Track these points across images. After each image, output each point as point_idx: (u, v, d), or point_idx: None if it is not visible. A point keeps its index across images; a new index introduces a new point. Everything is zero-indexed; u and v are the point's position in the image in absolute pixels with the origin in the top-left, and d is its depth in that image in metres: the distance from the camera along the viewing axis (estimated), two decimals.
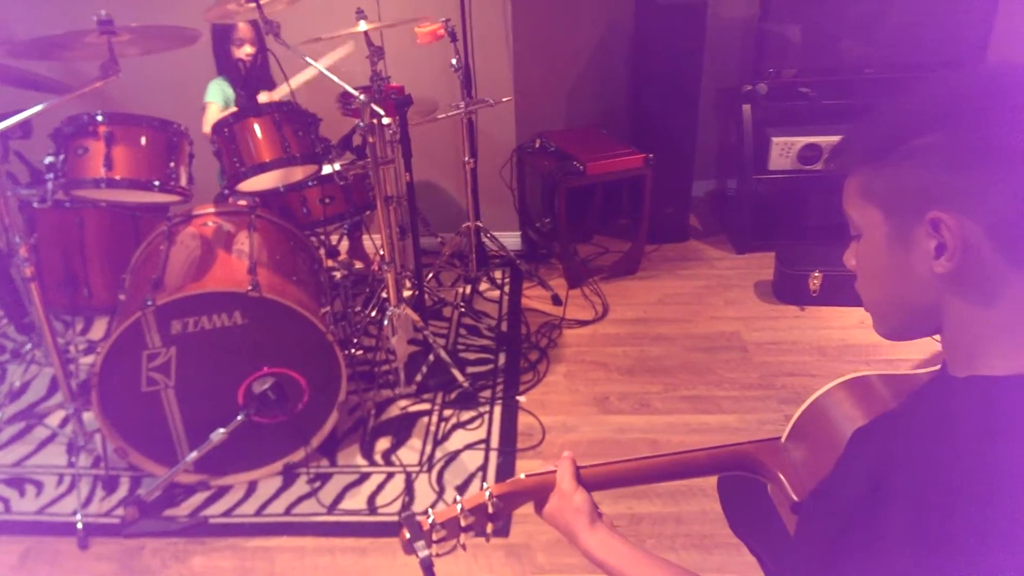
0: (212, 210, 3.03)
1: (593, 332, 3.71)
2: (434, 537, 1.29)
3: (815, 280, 3.71)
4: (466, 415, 3.14)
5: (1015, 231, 0.85)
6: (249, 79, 3.40)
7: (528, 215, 4.50)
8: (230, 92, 3.48)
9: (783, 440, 1.40)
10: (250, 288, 2.52)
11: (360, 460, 2.93)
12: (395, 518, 2.65)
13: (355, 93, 2.71)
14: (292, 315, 2.63)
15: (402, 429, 3.07)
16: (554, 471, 1.34)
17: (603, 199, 4.65)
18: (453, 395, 3.25)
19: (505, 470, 2.85)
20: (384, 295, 3.20)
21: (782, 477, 1.34)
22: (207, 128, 3.25)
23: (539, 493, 1.35)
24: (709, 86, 4.40)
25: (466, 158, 3.82)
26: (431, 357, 3.31)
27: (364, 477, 2.85)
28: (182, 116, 2.85)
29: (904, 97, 0.94)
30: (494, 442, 2.99)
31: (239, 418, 2.66)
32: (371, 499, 2.75)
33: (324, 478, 2.85)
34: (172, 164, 2.66)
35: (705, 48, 4.11)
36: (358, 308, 3.70)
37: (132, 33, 2.46)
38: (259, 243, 2.87)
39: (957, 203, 0.86)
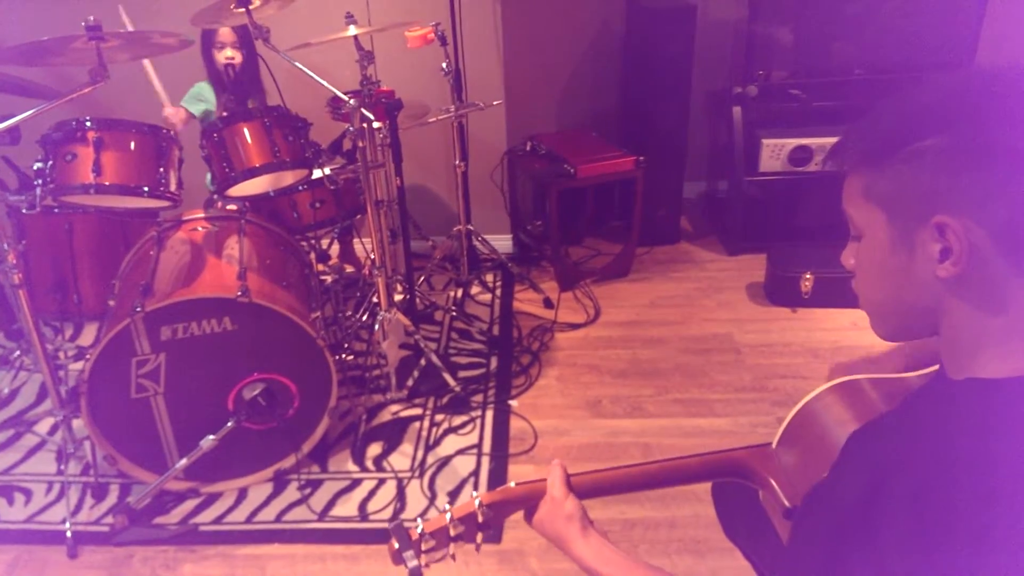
0: (202, 215, 3.01)
1: (585, 335, 3.70)
2: (423, 547, 1.28)
3: (807, 282, 3.71)
4: (458, 420, 3.13)
5: (1021, 236, 0.85)
6: (238, 85, 3.39)
7: (519, 218, 4.50)
8: (211, 97, 3.46)
9: (774, 445, 1.40)
10: (240, 294, 2.51)
11: (351, 466, 2.92)
12: (387, 525, 2.64)
13: (345, 97, 2.71)
14: (282, 320, 2.62)
15: (393, 434, 3.06)
16: (544, 480, 1.34)
17: (594, 201, 4.64)
18: (445, 400, 3.24)
19: (497, 475, 2.84)
20: (375, 299, 3.20)
21: (773, 483, 1.33)
22: (168, 110, 3.28)
23: (529, 501, 1.34)
24: (699, 88, 4.40)
25: (457, 161, 3.82)
26: (422, 361, 3.30)
27: (355, 483, 2.84)
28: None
29: (908, 97, 0.94)
30: (486, 447, 2.98)
31: (229, 424, 2.65)
32: (362, 505, 2.74)
33: (315, 484, 2.83)
34: (161, 169, 2.64)
35: (695, 50, 4.11)
36: (349, 313, 3.69)
37: (121, 39, 2.44)
38: (249, 248, 2.86)
39: (963, 207, 0.86)
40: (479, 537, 1.33)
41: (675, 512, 2.62)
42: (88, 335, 3.75)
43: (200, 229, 2.94)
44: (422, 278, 4.12)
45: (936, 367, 1.07)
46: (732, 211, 4.34)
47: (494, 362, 3.50)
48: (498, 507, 1.32)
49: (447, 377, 3.24)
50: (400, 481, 2.83)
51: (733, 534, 1.80)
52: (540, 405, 3.21)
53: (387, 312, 3.01)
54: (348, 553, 2.56)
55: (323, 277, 3.47)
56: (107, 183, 2.52)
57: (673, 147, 4.29)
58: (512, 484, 1.34)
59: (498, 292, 4.09)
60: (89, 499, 2.79)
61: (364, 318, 3.58)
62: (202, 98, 3.45)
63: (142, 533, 2.64)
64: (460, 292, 4.09)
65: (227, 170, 2.80)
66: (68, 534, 2.59)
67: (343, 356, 3.30)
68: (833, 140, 1.02)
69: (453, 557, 1.32)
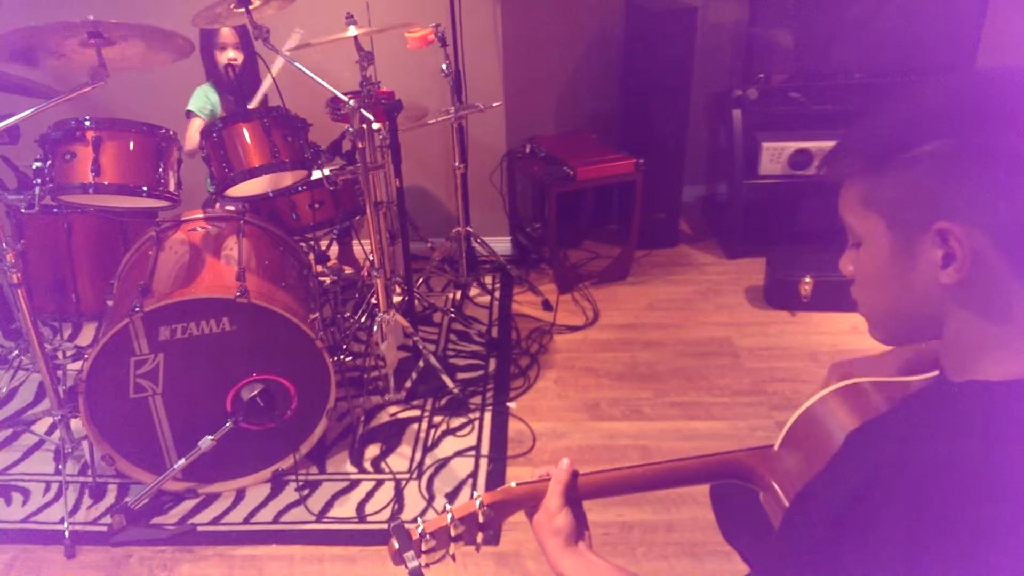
0: (201, 215, 3.02)
1: (584, 338, 3.70)
2: (424, 547, 1.28)
3: (806, 285, 3.71)
4: (456, 422, 3.13)
5: (1023, 241, 0.85)
6: (239, 85, 3.39)
7: (518, 220, 4.50)
8: (215, 98, 3.46)
9: (776, 448, 1.39)
10: (238, 294, 2.51)
11: (349, 467, 2.91)
12: (384, 526, 2.64)
13: (345, 98, 2.71)
14: (281, 321, 2.62)
15: (392, 436, 3.06)
16: (546, 480, 1.33)
17: (593, 204, 4.65)
18: (443, 401, 3.24)
19: (495, 477, 2.84)
20: (374, 301, 3.19)
21: (775, 485, 1.33)
22: (188, 145, 3.23)
23: (530, 502, 1.34)
24: (699, 91, 4.40)
25: (456, 163, 3.82)
26: (421, 363, 3.30)
27: (353, 484, 2.83)
28: (170, 121, 2.84)
29: (905, 102, 0.93)
30: (484, 449, 2.98)
31: (227, 425, 2.65)
32: (360, 507, 2.74)
33: (313, 485, 2.83)
34: (160, 169, 2.64)
35: (695, 53, 4.12)
36: (347, 314, 3.69)
37: (122, 33, 2.44)
38: (248, 249, 2.86)
39: (965, 213, 0.86)
40: (479, 537, 1.32)
41: (673, 515, 2.62)
42: (87, 335, 3.75)
43: (199, 229, 2.94)
44: (421, 280, 4.12)
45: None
46: (731, 214, 4.34)
47: (492, 364, 3.50)
48: (499, 507, 1.32)
49: (445, 379, 3.24)
50: (398, 482, 2.83)
51: (731, 537, 1.80)
52: (538, 407, 3.21)
53: (386, 314, 3.00)
54: (346, 554, 2.56)
55: (322, 278, 3.47)
56: (106, 183, 2.52)
57: (672, 150, 4.29)
58: (513, 484, 1.34)
59: (497, 294, 4.09)
60: (87, 499, 2.79)
61: (363, 319, 3.58)
62: (209, 100, 3.45)
63: (140, 533, 2.63)
64: (459, 294, 4.09)
65: (226, 170, 2.80)
66: (66, 534, 2.58)
67: (341, 357, 3.30)
68: (833, 144, 1.02)
69: (453, 557, 1.32)
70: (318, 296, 3.22)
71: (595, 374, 3.41)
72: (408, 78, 3.91)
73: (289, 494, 2.80)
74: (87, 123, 2.52)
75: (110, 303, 2.78)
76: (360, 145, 2.77)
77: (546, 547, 1.28)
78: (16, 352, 3.36)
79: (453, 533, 1.29)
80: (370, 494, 2.79)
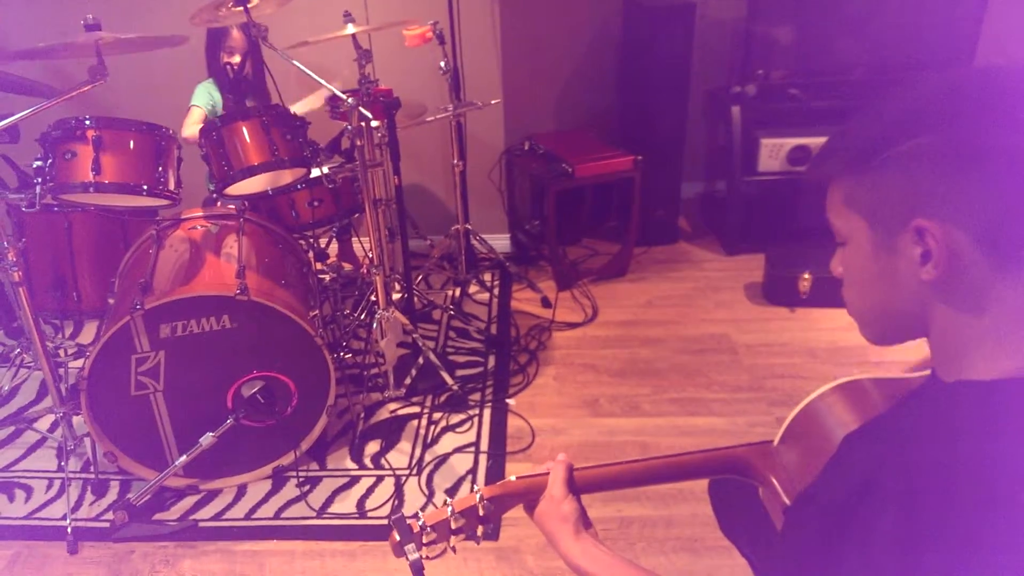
0: (200, 214, 3.03)
1: (583, 334, 3.71)
2: (424, 540, 1.29)
3: (805, 282, 3.72)
4: (456, 418, 3.14)
5: (1001, 237, 0.85)
6: (238, 85, 3.40)
7: (517, 217, 4.51)
8: (218, 96, 3.47)
9: (776, 443, 1.40)
10: (238, 292, 2.52)
11: (350, 463, 2.93)
12: (385, 521, 2.65)
13: (343, 96, 2.71)
14: (281, 319, 2.63)
15: (391, 432, 3.07)
16: (546, 474, 1.34)
17: (592, 201, 4.65)
18: (442, 398, 3.25)
19: (494, 473, 2.85)
20: (373, 298, 3.20)
21: (774, 481, 1.34)
22: (185, 132, 3.25)
23: (529, 495, 1.35)
24: (698, 88, 4.41)
25: (455, 161, 3.82)
26: (420, 360, 3.31)
27: (354, 480, 2.85)
28: (170, 120, 2.85)
29: (885, 103, 0.94)
30: (484, 445, 2.99)
31: (228, 422, 2.66)
32: (361, 502, 2.75)
33: (314, 481, 2.84)
34: (160, 168, 2.65)
35: (693, 50, 4.12)
36: (347, 311, 3.70)
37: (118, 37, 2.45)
38: (248, 247, 2.87)
39: (942, 210, 0.86)
40: (479, 530, 1.33)
41: (672, 510, 2.63)
42: (88, 333, 3.76)
43: (199, 228, 2.95)
44: (420, 277, 4.13)
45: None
46: (730, 211, 4.35)
47: (492, 361, 3.51)
48: (499, 500, 1.33)
49: (445, 376, 3.25)
50: (398, 478, 2.84)
51: (730, 532, 1.81)
52: (537, 404, 3.22)
53: (385, 311, 3.01)
54: (346, 550, 2.57)
55: (321, 276, 3.48)
56: (106, 181, 2.53)
57: (671, 147, 4.30)
58: (513, 478, 1.35)
59: (496, 291, 4.10)
60: (89, 495, 2.80)
61: (362, 317, 3.59)
62: (212, 97, 3.46)
63: (142, 529, 2.65)
64: (458, 291, 4.10)
65: (226, 169, 2.80)
66: (68, 530, 2.60)
67: (341, 354, 3.31)
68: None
69: (454, 550, 1.33)
70: (318, 293, 3.23)
71: (594, 370, 3.43)
72: (406, 76, 3.92)
73: (290, 490, 2.81)
74: (87, 122, 2.52)
75: (111, 301, 2.79)
76: (359, 143, 2.77)
77: (556, 536, 1.28)
78: (18, 350, 3.37)
79: (453, 526, 1.30)
80: (370, 490, 2.80)
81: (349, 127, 2.74)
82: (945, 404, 0.91)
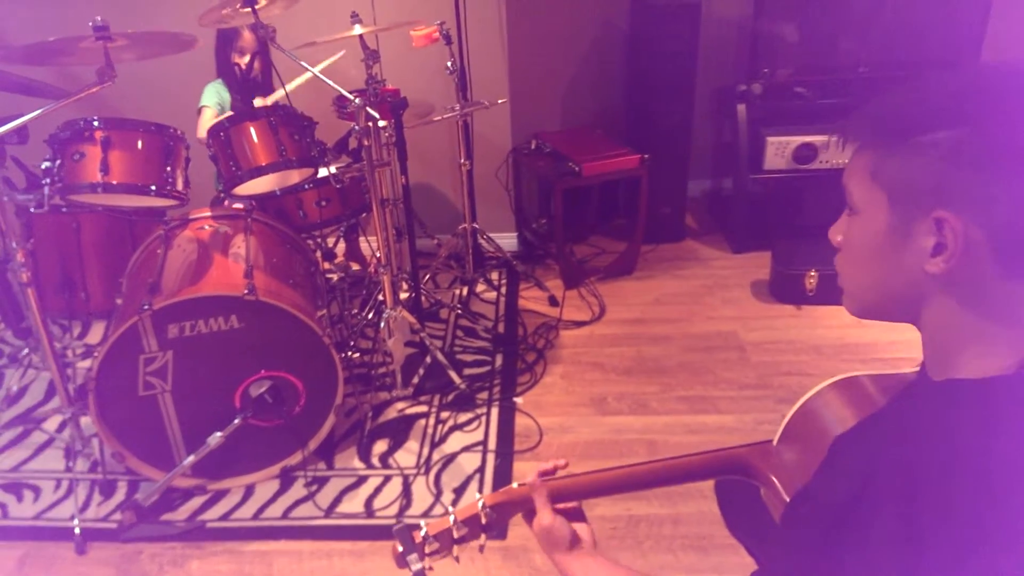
0: (208, 214, 3.03)
1: (590, 333, 3.71)
2: (427, 550, 1.29)
3: (811, 279, 3.71)
4: (463, 417, 3.14)
5: (1017, 240, 0.85)
6: (246, 84, 3.41)
7: (524, 216, 4.51)
8: (226, 96, 3.48)
9: (775, 443, 1.40)
10: (246, 292, 2.53)
11: (357, 463, 2.93)
12: (393, 521, 2.65)
13: (351, 96, 2.72)
14: (288, 318, 2.64)
15: (399, 432, 3.08)
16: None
17: (599, 200, 4.65)
18: (450, 397, 3.25)
19: (502, 472, 2.85)
20: (380, 297, 3.21)
21: (775, 480, 1.34)
22: (201, 132, 3.25)
23: (530, 504, 1.35)
24: (704, 86, 4.41)
25: (462, 160, 3.83)
26: (428, 359, 3.31)
27: (361, 480, 2.85)
28: (178, 120, 2.85)
29: (927, 85, 0.92)
30: (491, 444, 2.99)
31: (236, 421, 2.66)
32: (368, 502, 2.75)
33: (321, 481, 2.85)
34: (168, 168, 2.66)
35: (700, 48, 4.12)
36: (355, 311, 3.71)
37: (128, 39, 2.45)
38: (255, 247, 2.87)
39: (965, 205, 0.85)
40: (483, 538, 1.33)
41: (680, 509, 2.63)
42: (96, 333, 3.77)
43: (207, 228, 2.96)
44: (427, 276, 4.13)
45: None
46: (737, 209, 4.35)
47: (499, 360, 3.51)
48: (501, 508, 1.33)
49: (452, 375, 3.25)
50: (406, 478, 2.84)
51: (736, 530, 1.81)
52: (545, 402, 3.22)
53: (393, 310, 3.02)
54: (354, 549, 2.58)
55: (329, 275, 3.49)
56: (114, 182, 2.54)
57: (678, 145, 4.30)
58: (515, 485, 1.35)
59: (503, 290, 4.10)
60: (97, 496, 2.81)
61: (370, 316, 3.59)
62: (220, 96, 3.47)
63: (150, 530, 2.66)
64: (465, 290, 4.10)
65: (234, 169, 2.81)
66: (76, 531, 2.61)
67: (349, 354, 3.32)
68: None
69: (457, 559, 1.33)
70: (325, 293, 3.24)
71: (602, 369, 3.42)
72: (413, 76, 3.93)
73: (298, 490, 2.82)
74: (95, 123, 2.53)
75: (119, 301, 2.80)
76: (366, 143, 2.78)
77: (552, 558, 1.33)
78: (26, 351, 3.38)
79: (456, 535, 1.30)
80: (378, 490, 2.80)
81: (356, 127, 2.74)
82: (941, 402, 0.90)
